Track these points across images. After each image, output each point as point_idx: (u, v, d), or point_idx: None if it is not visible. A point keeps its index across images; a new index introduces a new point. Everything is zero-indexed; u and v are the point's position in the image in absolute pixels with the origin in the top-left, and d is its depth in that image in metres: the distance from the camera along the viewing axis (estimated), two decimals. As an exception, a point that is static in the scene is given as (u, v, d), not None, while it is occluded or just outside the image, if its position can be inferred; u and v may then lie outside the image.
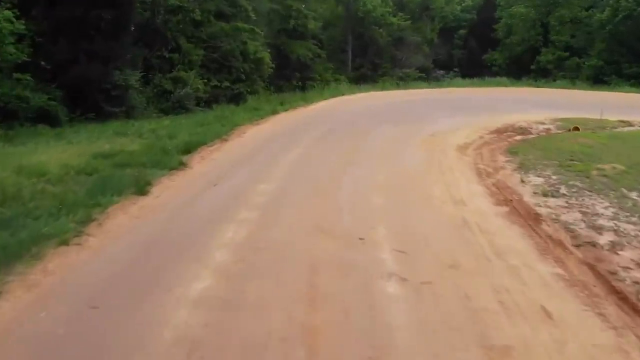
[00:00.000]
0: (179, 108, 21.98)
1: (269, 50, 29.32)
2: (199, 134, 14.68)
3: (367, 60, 42.87)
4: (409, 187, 9.99)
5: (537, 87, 35.61)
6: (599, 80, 37.31)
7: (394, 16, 42.55)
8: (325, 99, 26.19)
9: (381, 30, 42.21)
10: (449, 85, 37.16)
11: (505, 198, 9.08)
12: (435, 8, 45.82)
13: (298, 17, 34.27)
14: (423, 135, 15.84)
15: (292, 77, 34.80)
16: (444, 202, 8.82)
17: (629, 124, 19.07)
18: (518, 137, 16.25)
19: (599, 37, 38.68)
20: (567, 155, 12.46)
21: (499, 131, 17.13)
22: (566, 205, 8.34)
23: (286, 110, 21.68)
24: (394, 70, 42.49)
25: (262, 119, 19.01)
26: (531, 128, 17.86)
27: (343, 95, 29.32)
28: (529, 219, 7.81)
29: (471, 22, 48.00)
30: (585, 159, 11.94)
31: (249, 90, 26.66)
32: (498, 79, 39.15)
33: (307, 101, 24.46)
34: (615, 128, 18.47)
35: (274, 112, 20.77)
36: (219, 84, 25.48)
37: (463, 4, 50.19)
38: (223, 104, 23.29)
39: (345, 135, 16.30)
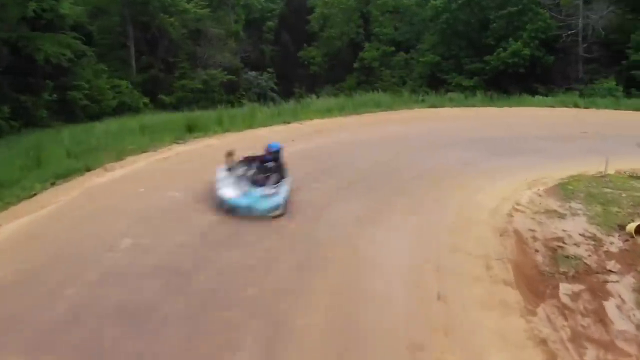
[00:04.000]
0: None
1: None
2: None
3: (157, 59, 32.64)
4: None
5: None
6: (435, 78, 32.51)
7: (189, 2, 32.96)
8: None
9: (173, 19, 32.34)
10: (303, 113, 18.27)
11: None
12: (233, -7, 37.35)
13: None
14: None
15: (40, 87, 23.31)
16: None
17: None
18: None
19: (432, 29, 33.89)
20: None
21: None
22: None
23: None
24: (196, 71, 32.99)
25: None
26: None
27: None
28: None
29: (280, 13, 40.34)
30: None
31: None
32: (375, 94, 21.22)
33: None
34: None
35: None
36: None
37: (267, -9, 42.33)
38: None
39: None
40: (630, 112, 18.40)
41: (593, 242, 8.71)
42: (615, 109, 18.51)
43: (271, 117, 15.08)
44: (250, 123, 14.14)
